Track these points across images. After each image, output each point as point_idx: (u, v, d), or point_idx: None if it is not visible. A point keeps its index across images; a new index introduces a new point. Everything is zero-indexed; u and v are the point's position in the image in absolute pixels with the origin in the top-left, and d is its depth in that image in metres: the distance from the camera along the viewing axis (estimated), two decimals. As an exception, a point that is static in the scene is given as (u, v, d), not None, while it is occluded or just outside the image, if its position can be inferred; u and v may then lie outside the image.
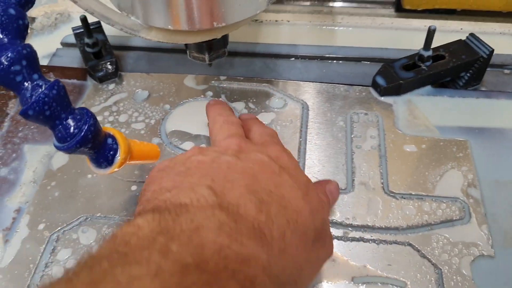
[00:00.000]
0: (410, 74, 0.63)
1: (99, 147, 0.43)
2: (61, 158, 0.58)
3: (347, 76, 0.69)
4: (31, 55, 0.38)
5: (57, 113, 0.39)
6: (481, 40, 0.64)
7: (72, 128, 0.40)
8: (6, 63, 0.37)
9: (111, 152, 0.44)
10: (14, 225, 0.52)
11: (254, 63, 0.72)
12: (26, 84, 0.38)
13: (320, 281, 0.47)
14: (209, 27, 0.47)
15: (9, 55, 0.37)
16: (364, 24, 0.79)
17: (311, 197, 0.39)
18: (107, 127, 0.45)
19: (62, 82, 0.40)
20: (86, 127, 0.40)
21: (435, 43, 0.63)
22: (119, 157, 0.44)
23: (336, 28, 0.79)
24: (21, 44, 0.38)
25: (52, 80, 0.39)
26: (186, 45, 0.58)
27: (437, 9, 0.81)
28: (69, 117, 0.40)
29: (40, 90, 0.38)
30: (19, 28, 0.39)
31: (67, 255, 0.50)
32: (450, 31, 0.77)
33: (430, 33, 0.61)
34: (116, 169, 0.45)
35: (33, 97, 0.38)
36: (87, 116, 0.41)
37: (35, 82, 0.38)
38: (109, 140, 0.44)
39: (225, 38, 0.57)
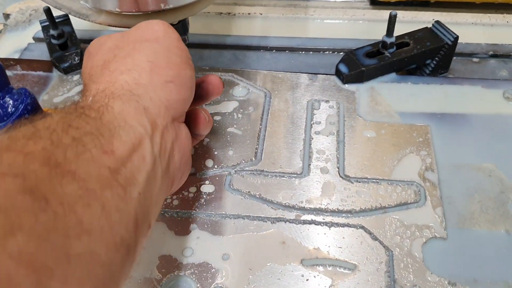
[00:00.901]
0: (373, 61, 0.62)
1: (40, 127, 0.43)
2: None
3: (314, 66, 0.69)
4: None
5: (-6, 91, 0.39)
6: (446, 27, 0.64)
7: (9, 107, 0.40)
8: None
9: (52, 133, 0.44)
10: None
11: (224, 54, 0.72)
12: None
13: (268, 263, 0.46)
14: (156, 9, 0.47)
15: None
16: (336, 16, 0.79)
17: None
18: (49, 109, 0.45)
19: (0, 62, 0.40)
20: (22, 106, 0.40)
21: (402, 33, 0.63)
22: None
23: (308, 20, 0.79)
24: None
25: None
26: (146, 33, 0.58)
27: (411, 1, 0.81)
28: (7, 96, 0.40)
29: None
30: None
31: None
32: (422, 22, 0.76)
33: (391, 19, 0.60)
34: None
35: (-32, 76, 0.38)
36: (24, 95, 0.41)
37: (-30, 62, 0.39)
38: (50, 121, 0.44)
39: (184, 24, 0.57)
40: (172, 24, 0.54)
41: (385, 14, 0.78)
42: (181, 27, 0.57)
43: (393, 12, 0.60)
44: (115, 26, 0.51)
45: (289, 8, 0.81)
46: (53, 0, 0.49)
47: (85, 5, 0.50)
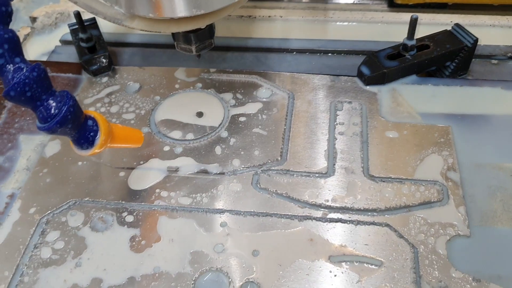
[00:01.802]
0: (394, 63, 0.64)
1: (80, 129, 0.45)
2: (53, 147, 0.60)
3: (335, 68, 0.70)
4: (13, 39, 0.40)
5: (38, 94, 0.41)
6: (466, 30, 0.65)
7: (52, 109, 0.42)
8: (-12, 47, 0.39)
9: (91, 134, 0.46)
10: (7, 209, 0.54)
11: (246, 57, 0.74)
12: (8, 66, 0.40)
13: (297, 259, 0.48)
14: (189, 15, 0.49)
15: (-10, 39, 0.39)
16: (355, 18, 0.80)
17: None
18: (88, 111, 0.47)
19: (43, 65, 0.42)
20: (65, 108, 0.42)
21: (422, 36, 0.64)
22: (99, 138, 0.46)
23: (328, 23, 0.80)
24: (3, 29, 0.40)
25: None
26: (173, 37, 0.60)
27: (429, 3, 0.82)
28: (50, 98, 0.42)
29: (21, 72, 0.40)
30: (2, 14, 0.40)
31: (55, 236, 0.51)
32: (440, 24, 0.77)
33: (412, 22, 0.62)
34: (97, 151, 0.46)
35: (15, 79, 0.40)
36: (67, 98, 0.43)
37: (17, 65, 0.40)
38: (90, 122, 0.46)
39: (210, 28, 0.59)
40: (199, 29, 0.56)
41: (403, 16, 0.80)
42: (208, 31, 0.59)
43: (414, 15, 0.61)
44: (147, 31, 0.53)
45: (309, 11, 0.83)
46: (87, 6, 0.51)
47: (120, 11, 0.51)
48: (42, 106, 0.42)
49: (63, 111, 0.42)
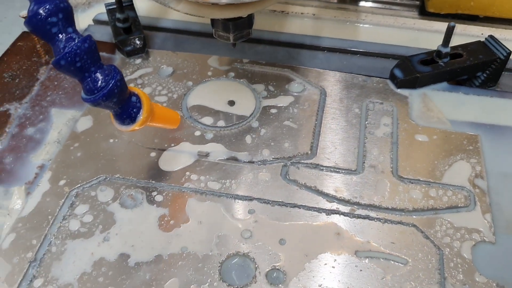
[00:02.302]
0: (427, 69, 0.64)
1: (124, 104, 0.45)
2: (85, 122, 0.61)
3: (366, 69, 0.71)
4: (68, 9, 0.41)
5: (87, 65, 0.42)
6: (499, 42, 0.66)
7: (100, 81, 0.43)
8: (44, 14, 0.39)
9: (134, 110, 0.46)
10: (37, 179, 0.55)
11: (277, 51, 0.74)
12: (60, 36, 0.41)
13: (324, 251, 0.48)
14: (234, 2, 0.50)
15: (47, 6, 0.39)
16: (387, 23, 0.81)
17: None
18: (133, 87, 0.47)
19: (93, 38, 0.42)
20: (113, 82, 0.43)
21: (454, 45, 0.65)
22: (141, 116, 0.47)
23: (360, 24, 0.81)
24: None
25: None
26: (212, 24, 0.60)
27: (460, 14, 0.83)
28: (98, 71, 0.43)
29: (73, 42, 0.41)
30: (58, -17, 0.41)
31: (84, 210, 0.52)
32: (471, 35, 0.78)
33: (449, 30, 0.62)
34: (137, 128, 0.47)
35: (66, 48, 0.41)
36: (114, 72, 0.43)
37: (69, 35, 0.41)
38: (134, 98, 0.46)
39: (250, 18, 0.60)
40: (239, 17, 0.57)
41: (434, 24, 0.80)
42: (247, 21, 0.60)
43: (452, 23, 0.62)
44: (191, 15, 0.54)
45: (340, 11, 0.83)
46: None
47: (167, -7, 0.52)
48: (89, 78, 0.42)
49: (110, 85, 0.43)
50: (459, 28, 0.80)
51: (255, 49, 0.74)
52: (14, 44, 0.72)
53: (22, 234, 0.50)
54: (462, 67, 0.64)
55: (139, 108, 0.46)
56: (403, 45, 0.76)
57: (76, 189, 0.54)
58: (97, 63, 0.43)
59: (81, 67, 0.41)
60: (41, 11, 0.39)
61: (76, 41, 0.41)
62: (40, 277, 0.47)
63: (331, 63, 0.72)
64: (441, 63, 0.65)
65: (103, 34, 0.76)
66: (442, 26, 0.78)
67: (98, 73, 0.43)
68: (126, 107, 0.46)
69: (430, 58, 0.66)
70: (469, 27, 0.80)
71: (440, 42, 0.65)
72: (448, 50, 0.64)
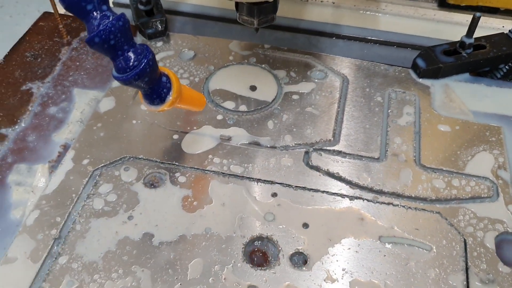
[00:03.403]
0: (450, 59, 0.64)
1: (154, 83, 0.45)
2: (108, 103, 0.61)
3: (386, 58, 0.71)
4: None
5: (120, 44, 0.42)
6: (523, 34, 0.66)
7: (132, 60, 0.43)
8: (80, -9, 0.39)
9: (164, 90, 0.46)
10: (60, 158, 0.55)
11: (297, 38, 0.74)
12: (95, 13, 0.41)
13: (347, 236, 0.48)
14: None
15: (83, -17, 0.39)
16: (407, 13, 0.80)
17: None
18: (163, 67, 0.47)
19: (127, 16, 0.42)
20: (145, 61, 0.43)
21: (477, 37, 0.64)
22: (170, 96, 0.47)
23: (379, 14, 0.80)
24: None
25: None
26: (236, 7, 0.60)
27: (481, 6, 0.82)
28: (131, 50, 0.43)
29: (107, 20, 0.41)
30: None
31: (108, 189, 0.52)
32: (491, 28, 0.78)
33: (475, 20, 0.62)
34: (166, 108, 0.47)
35: (101, 25, 0.40)
36: (147, 51, 0.43)
37: (103, 13, 0.41)
38: (164, 79, 0.46)
39: (275, 3, 0.59)
40: (265, 1, 0.57)
41: (454, 16, 0.80)
42: (272, 6, 0.59)
43: (478, 14, 0.62)
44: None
45: (361, 0, 0.83)
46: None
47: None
48: (122, 57, 0.42)
49: (143, 64, 0.43)
50: (480, 20, 0.79)
51: (275, 35, 0.74)
52: (35, 24, 0.72)
53: (46, 211, 0.50)
54: (485, 59, 0.64)
55: (169, 89, 0.46)
56: (423, 35, 0.75)
57: (100, 168, 0.54)
58: (130, 42, 0.43)
59: (114, 45, 0.41)
60: None
61: (110, 19, 0.41)
62: (64, 254, 0.47)
63: (352, 51, 0.72)
64: (464, 54, 0.65)
65: (124, 17, 0.76)
66: (462, 18, 0.78)
67: (131, 52, 0.43)
68: (157, 87, 0.46)
69: (453, 48, 0.65)
70: (490, 19, 0.79)
71: (460, 34, 0.65)
72: (472, 41, 0.64)
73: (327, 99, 0.62)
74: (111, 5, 0.80)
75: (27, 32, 0.71)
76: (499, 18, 0.81)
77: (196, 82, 0.64)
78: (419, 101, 0.62)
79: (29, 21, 0.75)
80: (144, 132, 0.58)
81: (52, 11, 0.72)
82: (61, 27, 0.70)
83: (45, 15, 0.74)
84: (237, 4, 0.60)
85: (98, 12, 0.41)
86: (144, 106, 0.48)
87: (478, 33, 0.67)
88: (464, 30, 0.64)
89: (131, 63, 0.43)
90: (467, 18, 0.79)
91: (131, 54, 0.43)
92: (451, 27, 0.79)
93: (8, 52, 0.68)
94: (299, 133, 0.58)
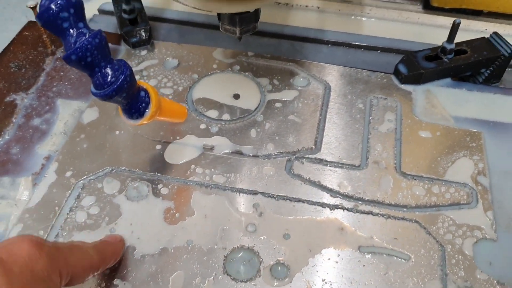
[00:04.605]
0: (432, 65, 0.65)
1: (133, 98, 0.46)
2: (91, 114, 0.61)
3: (370, 64, 0.71)
4: (79, 5, 0.41)
5: (98, 60, 0.42)
6: (504, 39, 0.66)
7: (109, 76, 0.43)
8: (56, 9, 0.40)
9: (143, 105, 0.47)
10: (43, 170, 0.56)
11: (281, 44, 0.75)
12: (71, 31, 0.41)
13: (327, 246, 0.49)
14: (243, -3, 0.50)
15: (58, 2, 0.40)
16: (391, 17, 0.81)
17: None
18: (141, 81, 0.47)
19: (104, 33, 0.43)
20: (122, 77, 0.43)
21: (459, 41, 0.65)
22: (149, 110, 0.47)
23: (364, 18, 0.81)
24: None
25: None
26: (219, 17, 0.61)
27: (464, 9, 0.83)
28: (108, 66, 0.43)
29: (84, 37, 0.41)
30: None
31: (91, 202, 0.52)
32: (474, 31, 0.78)
33: (455, 27, 0.63)
34: (145, 122, 0.47)
35: (77, 43, 0.41)
36: (124, 67, 0.44)
37: (80, 30, 0.41)
38: (142, 93, 0.47)
39: (257, 12, 0.60)
40: (246, 12, 0.57)
41: (438, 19, 0.80)
42: (254, 15, 0.60)
43: (457, 20, 0.62)
44: (199, 9, 0.54)
45: (345, 4, 0.83)
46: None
47: (175, -13, 0.52)
48: (100, 73, 0.43)
49: (120, 80, 0.43)
50: (463, 23, 0.79)
51: (259, 42, 0.74)
52: (20, 33, 0.72)
53: (29, 225, 0.51)
54: (467, 64, 0.65)
55: (147, 103, 0.47)
56: (407, 39, 0.76)
57: (83, 180, 0.54)
58: (107, 58, 0.43)
59: (91, 62, 0.42)
60: (52, 6, 0.40)
61: (87, 36, 0.41)
62: (47, 268, 0.47)
63: (336, 57, 0.72)
64: (446, 59, 0.65)
65: (108, 24, 0.76)
66: (446, 21, 0.79)
67: (108, 68, 0.43)
68: (135, 102, 0.46)
69: (434, 54, 0.66)
70: (473, 22, 0.80)
71: (444, 37, 0.65)
72: (452, 46, 0.64)
73: (310, 107, 0.62)
74: (96, 12, 0.80)
75: (11, 42, 0.71)
76: (482, 21, 0.81)
77: (180, 91, 0.64)
78: (400, 107, 0.62)
79: (17, 28, 0.75)
80: (127, 142, 0.58)
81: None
82: (45, 37, 0.70)
83: (30, 24, 0.74)
84: (219, 13, 0.60)
85: (75, 29, 0.41)
86: (123, 120, 0.48)
87: (461, 36, 0.68)
88: (447, 33, 0.64)
89: (108, 79, 0.43)
90: (450, 21, 0.78)
91: (108, 70, 0.43)
92: (435, 30, 0.80)
93: (-8, 63, 0.68)
94: (281, 141, 0.59)
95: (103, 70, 0.43)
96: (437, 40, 0.69)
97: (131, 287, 0.46)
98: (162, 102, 0.49)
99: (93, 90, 0.44)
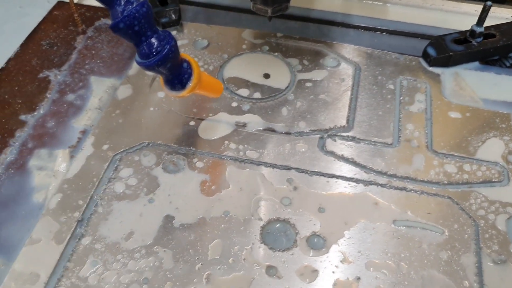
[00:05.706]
0: (460, 48, 0.65)
1: (176, 69, 0.47)
2: (125, 91, 0.62)
3: (396, 48, 0.71)
4: None
5: (144, 30, 0.43)
6: (532, 24, 0.67)
7: (155, 46, 0.44)
8: (105, -22, 0.41)
9: (185, 76, 0.47)
10: (80, 143, 0.56)
11: (308, 27, 0.75)
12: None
13: (362, 220, 0.50)
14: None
15: (106, -29, 0.40)
16: (416, 3, 0.81)
17: None
18: (184, 54, 0.48)
19: (149, 3, 0.43)
20: (168, 47, 0.44)
21: (486, 25, 0.66)
22: (191, 82, 0.48)
23: (388, 4, 0.81)
24: None
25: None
26: (251, -3, 0.61)
27: (489, -4, 0.83)
28: (154, 36, 0.44)
29: (131, 6, 0.42)
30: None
31: (129, 173, 0.53)
32: (500, 18, 0.78)
33: (486, 9, 0.63)
34: (186, 94, 0.48)
35: (125, 11, 0.42)
36: (169, 37, 0.45)
37: (127, -1, 0.42)
38: (185, 65, 0.47)
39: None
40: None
41: (462, 6, 0.81)
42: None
43: (489, 2, 0.63)
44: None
45: (370, -9, 0.84)
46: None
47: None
48: (146, 43, 0.44)
49: (166, 50, 0.44)
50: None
51: (286, 25, 0.75)
52: (50, 12, 0.73)
53: (68, 195, 0.51)
54: (495, 47, 0.65)
55: (190, 74, 0.48)
56: (432, 25, 0.76)
57: (120, 153, 0.55)
58: (153, 28, 0.44)
59: (138, 31, 0.43)
60: None
61: (134, 5, 0.42)
62: (88, 236, 0.48)
63: (362, 40, 0.73)
64: (474, 43, 0.66)
65: (137, 6, 0.77)
66: (470, 8, 0.79)
67: (154, 38, 0.44)
68: (178, 73, 0.47)
69: (463, 37, 0.67)
70: (499, 9, 0.80)
71: (468, 24, 0.66)
72: (482, 29, 0.65)
73: (340, 87, 0.63)
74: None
75: (42, 21, 0.72)
76: (507, 8, 0.82)
77: (211, 70, 0.65)
78: (430, 88, 0.63)
79: (40, 12, 0.76)
80: (161, 119, 0.59)
81: (67, 0, 0.73)
82: (76, 16, 0.71)
83: (60, 4, 0.75)
84: (251, -7, 0.61)
85: (122, -2, 0.42)
86: (164, 92, 0.49)
87: (487, 22, 0.68)
88: (471, 20, 0.65)
89: (154, 49, 0.44)
90: (475, 8, 0.80)
91: (154, 40, 0.44)
92: (459, 17, 0.80)
93: (23, 41, 0.69)
94: (313, 119, 0.59)
95: (149, 40, 0.44)
96: (461, 26, 0.70)
97: (171, 254, 0.47)
98: (202, 76, 0.49)
99: (138, 59, 0.44)
